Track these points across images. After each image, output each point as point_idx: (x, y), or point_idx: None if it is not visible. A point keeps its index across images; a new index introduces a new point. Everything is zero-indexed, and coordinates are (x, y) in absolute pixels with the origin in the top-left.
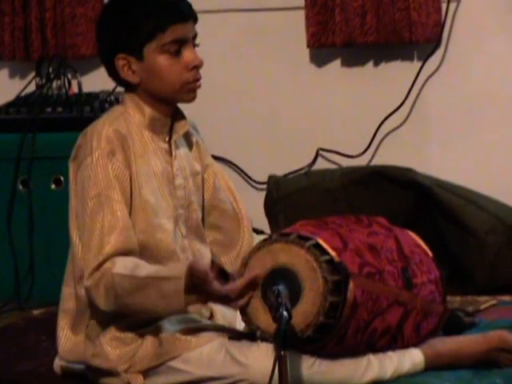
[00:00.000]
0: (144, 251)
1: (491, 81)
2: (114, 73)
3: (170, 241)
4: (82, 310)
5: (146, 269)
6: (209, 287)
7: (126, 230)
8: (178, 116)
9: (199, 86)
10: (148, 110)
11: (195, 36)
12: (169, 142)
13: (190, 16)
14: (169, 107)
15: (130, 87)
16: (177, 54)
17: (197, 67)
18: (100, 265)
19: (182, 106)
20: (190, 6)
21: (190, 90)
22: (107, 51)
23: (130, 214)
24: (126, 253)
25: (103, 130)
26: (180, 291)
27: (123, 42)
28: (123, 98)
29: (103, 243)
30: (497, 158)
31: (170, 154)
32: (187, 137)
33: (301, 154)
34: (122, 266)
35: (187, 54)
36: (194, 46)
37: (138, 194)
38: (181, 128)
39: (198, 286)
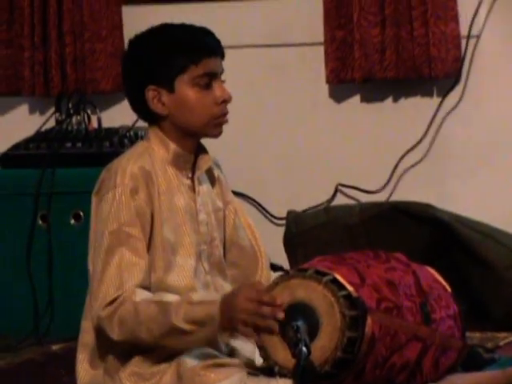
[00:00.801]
0: (162, 289)
1: (510, 116)
2: (140, 105)
3: (189, 279)
4: (101, 344)
5: (172, 297)
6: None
7: (145, 268)
8: (201, 152)
9: (226, 121)
10: (172, 146)
11: (222, 71)
12: (192, 178)
13: (220, 51)
14: (193, 142)
15: (155, 120)
16: (207, 87)
17: (226, 102)
18: (118, 297)
19: (203, 141)
20: (219, 41)
21: (217, 124)
22: (136, 83)
23: (149, 251)
24: (144, 289)
25: (128, 166)
26: (214, 316)
27: (154, 73)
28: (147, 133)
29: (122, 279)
30: None
31: (193, 190)
32: (209, 173)
33: (320, 189)
34: (145, 294)
35: (217, 88)
36: (223, 81)
37: (158, 231)
38: (204, 164)
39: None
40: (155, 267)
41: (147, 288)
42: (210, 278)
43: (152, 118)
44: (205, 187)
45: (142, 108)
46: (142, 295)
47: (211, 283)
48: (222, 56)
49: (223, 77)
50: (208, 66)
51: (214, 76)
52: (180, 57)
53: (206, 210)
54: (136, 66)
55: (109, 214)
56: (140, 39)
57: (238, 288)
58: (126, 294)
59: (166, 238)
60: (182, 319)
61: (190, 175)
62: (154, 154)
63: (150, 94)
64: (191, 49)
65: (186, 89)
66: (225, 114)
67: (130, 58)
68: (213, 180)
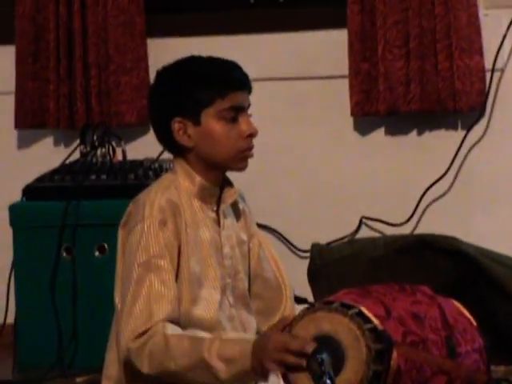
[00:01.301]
0: (188, 322)
1: None
2: (166, 137)
3: (215, 312)
4: (126, 377)
5: (205, 333)
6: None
7: (175, 300)
8: (227, 185)
9: (252, 155)
10: (198, 179)
11: (249, 105)
12: (217, 212)
13: (247, 85)
14: (218, 175)
15: (181, 152)
16: (233, 121)
17: (252, 136)
18: (148, 329)
19: (228, 173)
20: (246, 75)
21: (243, 158)
22: (163, 115)
23: (176, 283)
24: (174, 322)
25: (156, 198)
26: (247, 354)
27: (181, 105)
28: (173, 166)
29: (152, 310)
30: None
31: (218, 224)
32: (234, 205)
33: (344, 222)
34: (176, 329)
35: (243, 122)
36: (249, 115)
37: (185, 264)
38: (229, 197)
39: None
40: (182, 300)
41: (176, 320)
42: (235, 312)
43: (178, 150)
44: (229, 220)
45: (167, 140)
46: (173, 329)
47: (236, 316)
48: (249, 90)
49: (250, 111)
50: (234, 99)
51: (240, 110)
52: (207, 90)
53: (230, 243)
54: (163, 98)
55: (138, 246)
56: (167, 71)
57: (270, 331)
58: (157, 327)
59: (193, 270)
60: (215, 355)
61: (215, 208)
62: (180, 186)
63: (176, 126)
64: (218, 82)
65: (211, 122)
66: (250, 147)
67: (157, 90)
68: (237, 213)
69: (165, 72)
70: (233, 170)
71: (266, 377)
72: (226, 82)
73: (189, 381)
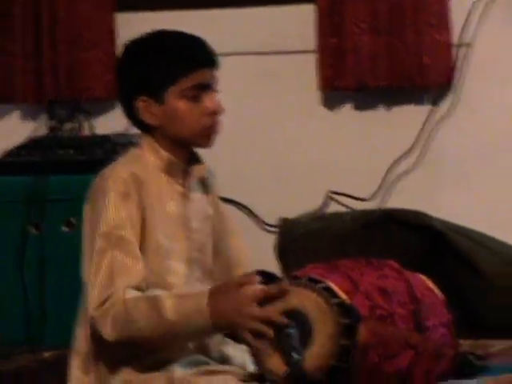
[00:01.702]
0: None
1: (503, 124)
2: (132, 114)
3: (182, 284)
4: (94, 351)
5: (162, 292)
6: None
7: (137, 268)
8: (195, 159)
9: (217, 132)
10: (165, 154)
11: (215, 82)
12: (184, 186)
13: (213, 62)
14: (185, 151)
15: (147, 130)
16: (197, 99)
17: (216, 113)
18: (109, 297)
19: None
20: (213, 52)
21: (207, 135)
22: (128, 92)
23: (142, 256)
24: (139, 290)
25: (119, 172)
26: (202, 309)
27: (144, 84)
28: (140, 141)
29: (114, 279)
30: (508, 202)
31: (186, 198)
32: (202, 181)
33: (312, 196)
34: (136, 293)
35: (207, 100)
36: (215, 91)
37: (151, 236)
38: (197, 172)
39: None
40: (150, 271)
41: (141, 288)
42: (202, 286)
43: (144, 128)
44: (197, 195)
45: (133, 117)
46: (132, 294)
47: None
48: (215, 67)
49: (217, 85)
50: (198, 77)
51: (204, 88)
52: (169, 69)
53: (197, 217)
54: (127, 77)
55: (100, 218)
56: (132, 49)
57: (229, 281)
58: (118, 293)
59: (161, 243)
60: (172, 312)
61: (182, 182)
62: (147, 161)
63: (140, 104)
64: (181, 61)
65: (175, 100)
66: (215, 125)
67: (122, 67)
68: (205, 188)
69: (129, 49)
70: (198, 147)
71: (222, 330)
72: (189, 60)
73: (153, 345)
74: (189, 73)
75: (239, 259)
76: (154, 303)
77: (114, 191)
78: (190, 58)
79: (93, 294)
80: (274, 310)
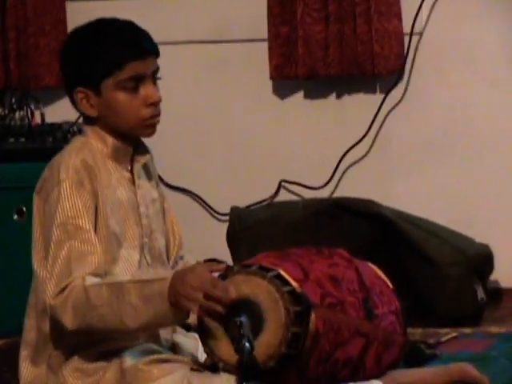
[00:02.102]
0: None
1: (453, 113)
2: (74, 105)
3: (135, 271)
4: (44, 341)
5: (123, 277)
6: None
7: (96, 256)
8: (139, 145)
9: (157, 122)
10: (110, 140)
11: (157, 70)
12: (131, 171)
13: (150, 52)
14: (130, 138)
15: (89, 120)
16: (134, 90)
17: (155, 104)
18: (68, 284)
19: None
20: (150, 41)
21: (147, 126)
22: (67, 83)
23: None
24: (95, 276)
25: (70, 160)
26: (164, 292)
27: (82, 75)
28: (84, 128)
29: (72, 267)
30: (458, 191)
31: (133, 183)
32: (145, 166)
33: (263, 185)
34: (94, 279)
35: (145, 91)
36: (156, 79)
37: (104, 224)
38: (142, 157)
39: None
40: (104, 259)
41: (100, 275)
42: (153, 271)
43: (86, 117)
44: (143, 180)
45: (75, 107)
46: (92, 280)
47: None
48: (156, 55)
49: (160, 72)
50: (134, 69)
51: (141, 79)
52: (104, 61)
53: (145, 202)
54: (66, 68)
55: (56, 209)
56: (70, 41)
57: (193, 265)
58: (77, 281)
59: (112, 230)
60: (135, 296)
61: (129, 168)
62: (93, 148)
63: (79, 95)
64: (115, 53)
65: (112, 92)
66: (154, 115)
67: (62, 59)
68: (148, 173)
69: (68, 41)
70: (139, 136)
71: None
72: (123, 52)
73: (112, 331)
74: (123, 64)
75: (173, 230)
76: (116, 288)
77: (68, 180)
78: (124, 50)
79: (51, 284)
80: (225, 294)
